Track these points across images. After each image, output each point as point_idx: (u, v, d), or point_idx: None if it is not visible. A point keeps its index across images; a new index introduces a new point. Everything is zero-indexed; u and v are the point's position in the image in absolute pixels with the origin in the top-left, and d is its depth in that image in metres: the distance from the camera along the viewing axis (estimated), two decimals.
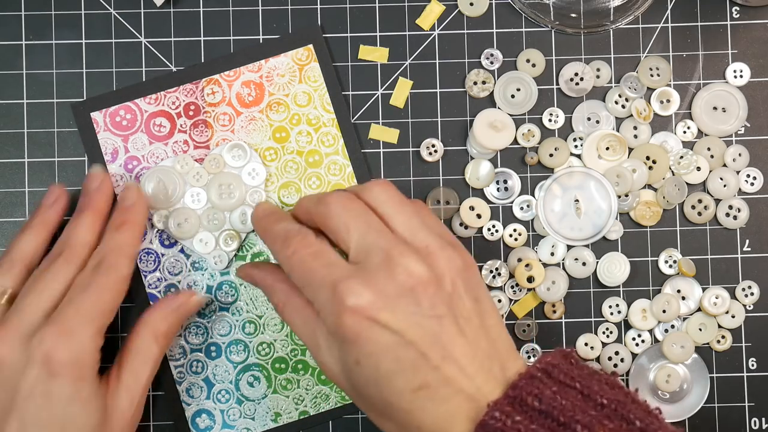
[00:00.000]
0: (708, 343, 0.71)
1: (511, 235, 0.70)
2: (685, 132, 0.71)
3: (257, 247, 0.68)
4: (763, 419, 0.71)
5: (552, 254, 0.70)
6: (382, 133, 0.71)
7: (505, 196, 0.71)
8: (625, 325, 0.71)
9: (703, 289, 0.71)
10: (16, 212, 0.70)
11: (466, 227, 0.70)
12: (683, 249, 0.71)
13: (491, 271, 0.70)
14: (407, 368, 0.55)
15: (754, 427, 0.71)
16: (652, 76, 0.71)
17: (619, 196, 0.70)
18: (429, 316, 0.56)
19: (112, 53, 0.70)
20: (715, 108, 0.71)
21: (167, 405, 0.69)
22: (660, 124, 0.71)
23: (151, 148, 0.67)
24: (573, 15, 0.71)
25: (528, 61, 0.71)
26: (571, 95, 0.71)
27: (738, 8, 0.71)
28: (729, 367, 0.71)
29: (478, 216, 0.70)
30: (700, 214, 0.71)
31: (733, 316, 0.70)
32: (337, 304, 0.56)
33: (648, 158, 0.70)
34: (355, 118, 0.71)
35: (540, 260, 0.70)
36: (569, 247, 0.70)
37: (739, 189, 0.71)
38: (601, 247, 0.71)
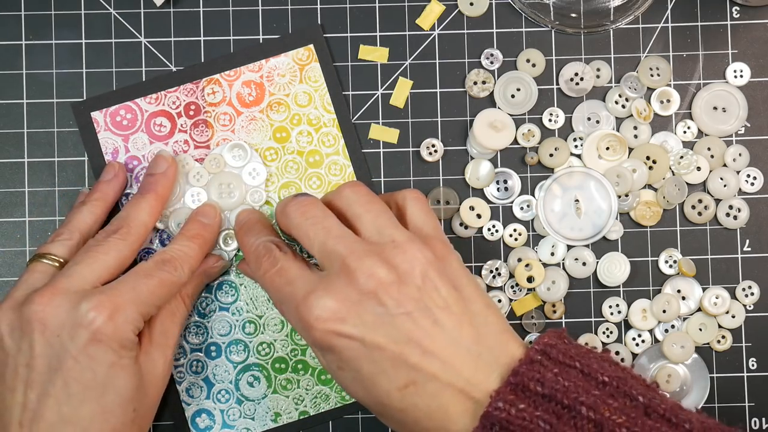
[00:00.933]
0: (708, 343, 0.71)
1: (511, 235, 0.70)
2: (685, 132, 0.71)
3: None
4: (763, 419, 0.71)
5: (552, 254, 0.70)
6: (382, 133, 0.71)
7: (505, 196, 0.71)
8: (625, 325, 0.71)
9: (703, 289, 0.71)
10: (16, 212, 0.70)
11: (466, 227, 0.70)
12: (683, 249, 0.71)
13: (491, 271, 0.70)
14: (387, 369, 0.56)
15: (754, 427, 0.71)
16: (652, 76, 0.71)
17: (619, 196, 0.70)
18: (398, 315, 0.56)
19: (112, 53, 0.70)
20: (715, 108, 0.71)
21: (167, 405, 0.69)
22: (660, 124, 0.71)
23: (152, 147, 0.67)
24: (573, 15, 0.71)
25: (528, 61, 0.71)
26: (571, 95, 0.71)
27: (738, 8, 0.71)
28: (729, 367, 0.71)
29: (478, 216, 0.70)
30: (700, 214, 0.71)
31: (733, 316, 0.70)
32: (303, 320, 0.57)
33: (648, 158, 0.70)
34: (355, 118, 0.71)
35: (540, 260, 0.70)
36: (569, 247, 0.70)
37: (739, 189, 0.71)
38: (601, 247, 0.71)
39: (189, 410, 0.68)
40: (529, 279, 0.70)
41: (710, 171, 0.71)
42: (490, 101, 0.71)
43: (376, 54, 0.71)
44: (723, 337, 0.70)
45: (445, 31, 0.71)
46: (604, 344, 0.71)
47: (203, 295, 0.68)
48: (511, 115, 0.70)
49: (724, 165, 0.71)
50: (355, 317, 0.56)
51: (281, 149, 0.68)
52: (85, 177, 0.70)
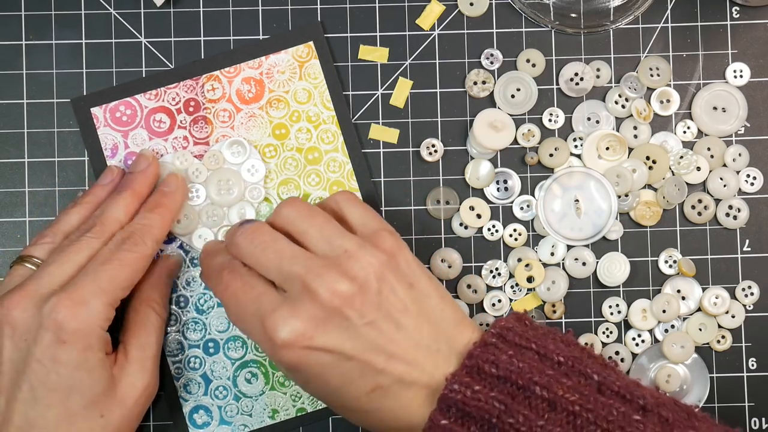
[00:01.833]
0: (708, 343, 0.71)
1: (511, 235, 0.70)
2: (685, 132, 0.71)
3: None
4: (763, 419, 0.71)
5: (552, 254, 0.70)
6: (382, 133, 0.71)
7: (505, 196, 0.71)
8: (625, 325, 0.71)
9: (703, 289, 0.71)
10: (16, 212, 0.70)
11: (466, 227, 0.70)
12: (683, 249, 0.71)
13: (491, 271, 0.70)
14: (355, 378, 0.57)
15: (754, 427, 0.71)
16: (652, 76, 0.71)
17: (619, 196, 0.70)
18: (362, 326, 0.57)
19: (112, 53, 0.70)
20: (715, 108, 0.71)
21: (165, 401, 0.69)
22: (660, 124, 0.71)
23: (151, 143, 0.67)
24: (573, 15, 0.71)
25: (528, 61, 0.71)
26: (571, 95, 0.71)
27: (738, 8, 0.71)
28: (729, 367, 0.71)
29: (478, 216, 0.70)
30: (700, 214, 0.71)
31: (733, 316, 0.70)
32: (270, 340, 0.57)
33: (648, 158, 0.70)
34: (355, 118, 0.71)
35: (540, 260, 0.70)
36: (569, 247, 0.70)
37: (739, 189, 0.71)
38: (601, 247, 0.71)
39: (187, 406, 0.68)
40: (529, 279, 0.70)
41: (710, 171, 0.71)
42: (490, 101, 0.71)
43: (376, 54, 0.71)
44: (723, 337, 0.70)
45: (445, 31, 0.71)
46: (603, 344, 0.71)
47: (201, 291, 0.69)
48: (511, 115, 0.70)
49: (724, 165, 0.71)
50: (323, 334, 0.56)
51: (280, 146, 0.68)
52: (85, 177, 0.70)
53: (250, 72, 0.67)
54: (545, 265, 0.70)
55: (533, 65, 0.71)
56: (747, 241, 0.71)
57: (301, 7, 0.71)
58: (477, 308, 0.71)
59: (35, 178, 0.70)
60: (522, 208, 0.71)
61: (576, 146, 0.71)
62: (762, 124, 0.71)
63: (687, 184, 0.70)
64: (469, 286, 0.70)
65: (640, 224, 0.71)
